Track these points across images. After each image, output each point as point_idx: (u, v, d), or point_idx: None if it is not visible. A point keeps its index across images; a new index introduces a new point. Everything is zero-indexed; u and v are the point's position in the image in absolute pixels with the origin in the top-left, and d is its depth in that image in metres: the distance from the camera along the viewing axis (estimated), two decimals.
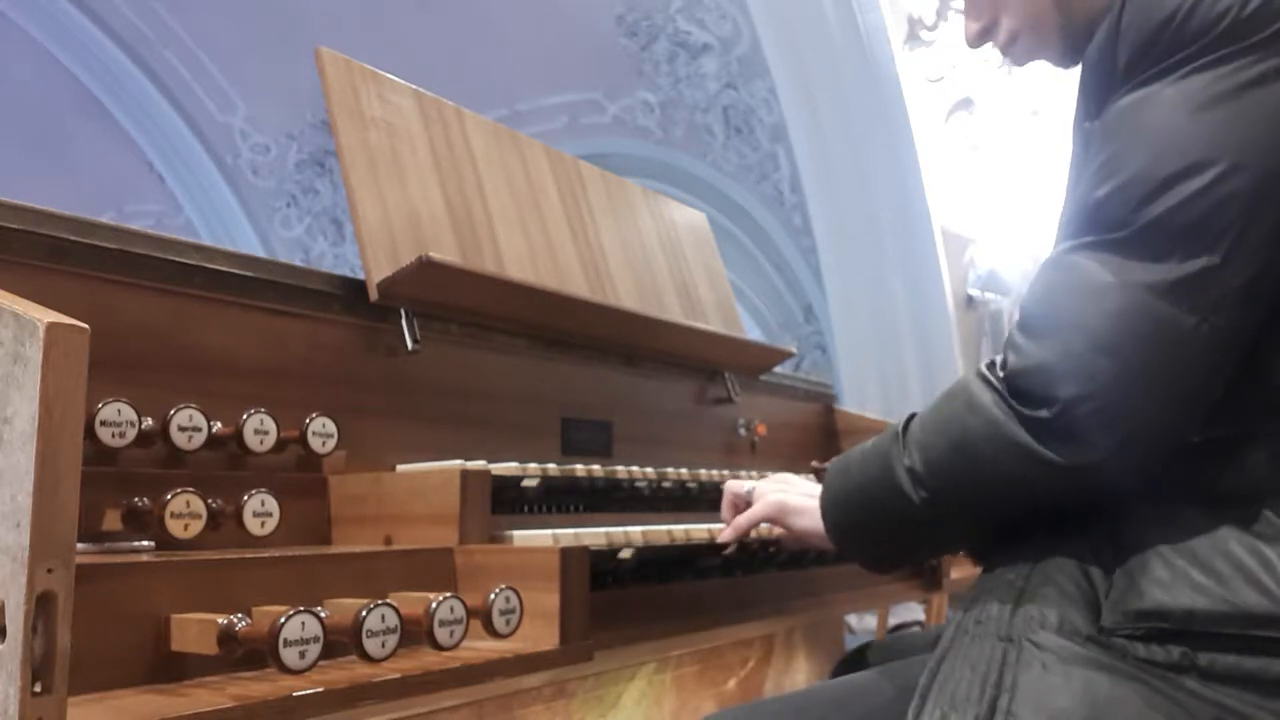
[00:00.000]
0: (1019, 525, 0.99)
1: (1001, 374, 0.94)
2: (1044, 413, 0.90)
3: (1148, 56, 0.90)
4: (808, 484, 1.28)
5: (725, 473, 1.62)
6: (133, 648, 0.83)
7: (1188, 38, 0.88)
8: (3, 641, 0.63)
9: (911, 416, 1.05)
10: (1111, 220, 0.90)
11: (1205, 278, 0.86)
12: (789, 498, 1.24)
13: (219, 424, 1.12)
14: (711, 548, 1.34)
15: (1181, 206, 0.86)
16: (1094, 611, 0.88)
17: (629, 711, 1.62)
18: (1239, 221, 0.85)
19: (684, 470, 1.56)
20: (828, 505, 1.13)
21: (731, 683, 1.85)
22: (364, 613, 0.84)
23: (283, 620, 0.79)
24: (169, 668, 0.84)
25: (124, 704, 0.77)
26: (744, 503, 1.32)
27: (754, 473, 1.72)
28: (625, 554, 1.21)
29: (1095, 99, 0.97)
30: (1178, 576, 0.86)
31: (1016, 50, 1.12)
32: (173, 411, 1.08)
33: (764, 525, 1.31)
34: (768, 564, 1.46)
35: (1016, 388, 0.92)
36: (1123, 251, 0.89)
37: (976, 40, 1.14)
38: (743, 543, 1.34)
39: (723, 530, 1.32)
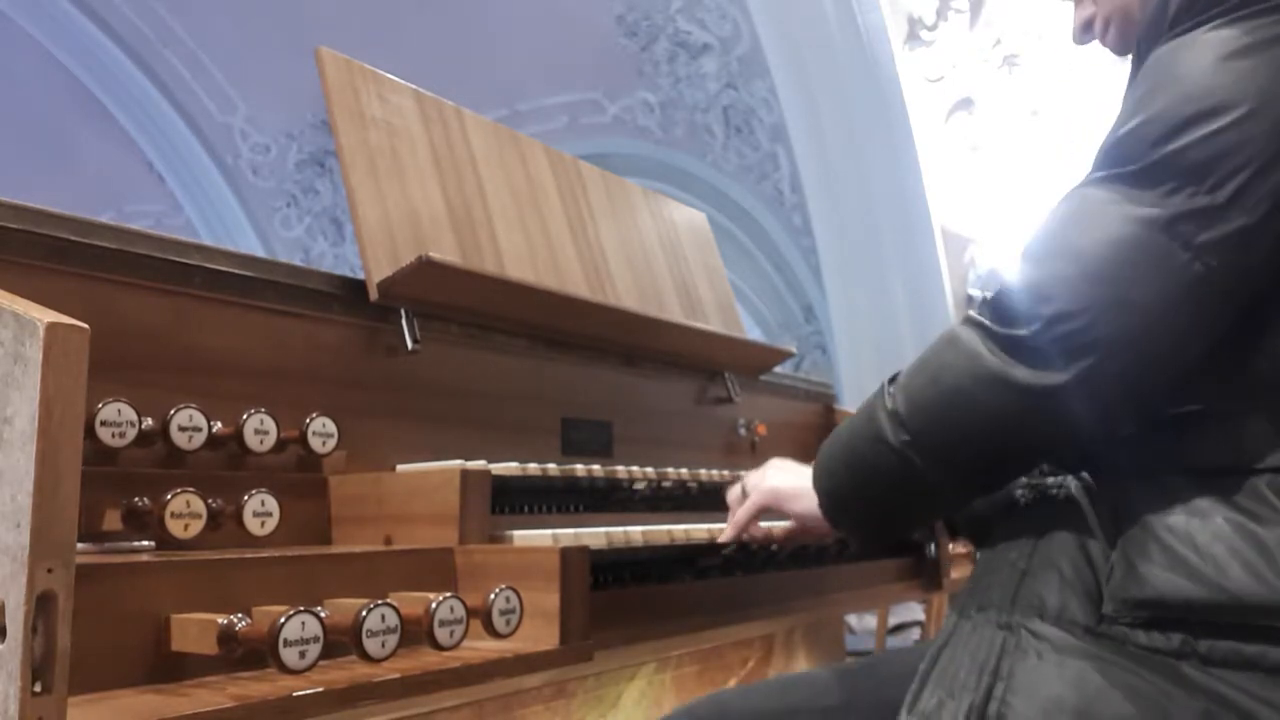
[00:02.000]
0: (1003, 485, 0.99)
1: (991, 297, 0.95)
2: (1022, 330, 0.90)
3: (1193, 8, 0.91)
4: (804, 467, 1.26)
5: (725, 473, 1.62)
6: (133, 648, 0.83)
7: None
8: (3, 641, 0.63)
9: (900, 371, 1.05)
10: (1127, 155, 0.91)
11: (1205, 216, 0.86)
12: (781, 482, 1.23)
13: (219, 424, 1.12)
14: (712, 547, 1.34)
15: (1194, 145, 0.87)
16: (1093, 599, 0.89)
17: (629, 711, 1.62)
18: (1248, 167, 0.86)
19: (684, 470, 1.56)
20: (818, 475, 1.12)
21: (731, 682, 1.85)
22: (364, 613, 0.84)
23: (283, 620, 0.79)
24: (169, 668, 0.84)
25: (124, 704, 0.77)
26: (742, 499, 1.31)
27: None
28: (626, 553, 1.21)
29: (1145, 49, 0.97)
30: (1175, 562, 0.86)
31: (1111, 38, 1.13)
32: (173, 411, 1.08)
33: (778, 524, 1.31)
34: (768, 564, 1.46)
35: (1002, 306, 0.93)
36: (1132, 184, 0.89)
37: (1081, 35, 1.15)
38: (743, 543, 1.35)
39: (725, 531, 1.32)
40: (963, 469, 0.99)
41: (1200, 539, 0.86)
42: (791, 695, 1.15)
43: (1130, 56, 1.02)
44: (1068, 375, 0.88)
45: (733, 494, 1.34)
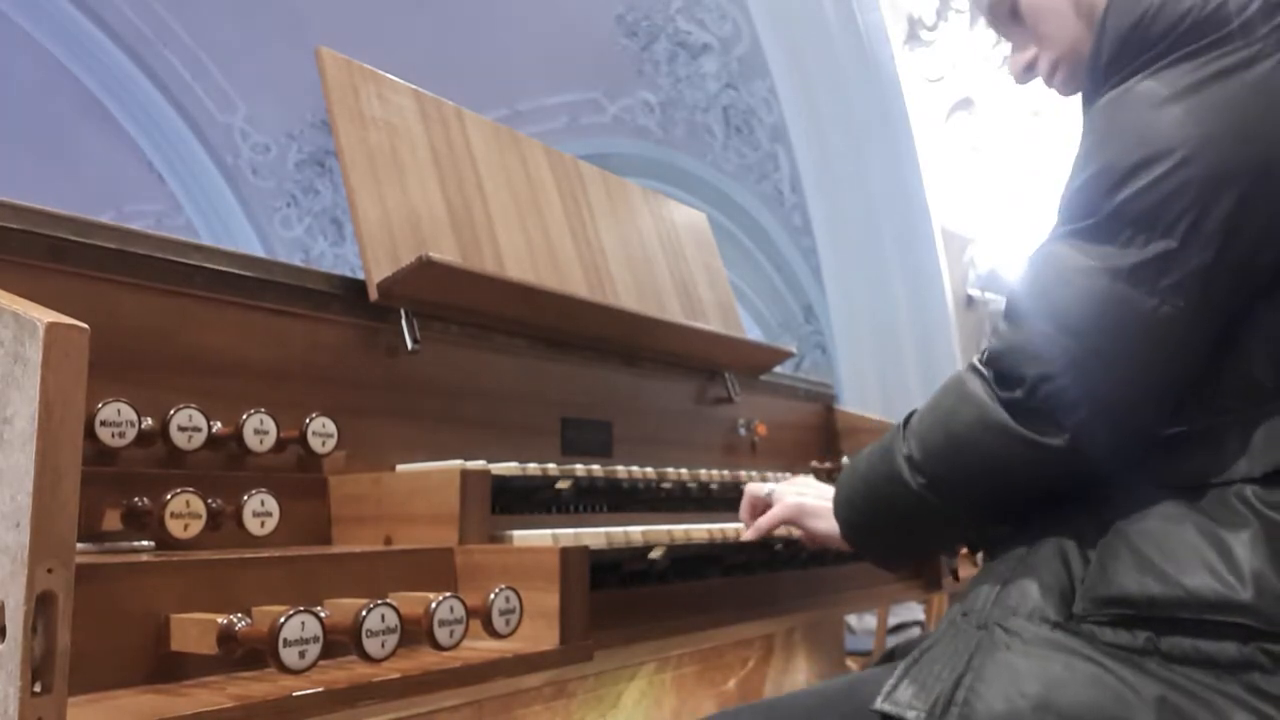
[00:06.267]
0: (1017, 515, 1.03)
1: (987, 356, 1.00)
2: (1018, 393, 0.95)
3: (1122, 56, 0.96)
4: (825, 487, 1.31)
5: (725, 473, 1.62)
6: (133, 648, 0.83)
7: (1154, 37, 0.93)
8: (3, 641, 0.63)
9: (914, 411, 1.09)
10: (1083, 209, 0.96)
11: (1163, 261, 0.90)
12: (807, 500, 1.28)
13: (219, 424, 1.12)
14: (711, 548, 1.34)
15: (1141, 194, 0.91)
16: (1066, 599, 0.92)
17: (629, 711, 1.62)
18: (1194, 208, 0.89)
19: (684, 470, 1.56)
20: (839, 504, 1.17)
21: (731, 683, 1.85)
22: (364, 613, 0.84)
23: (283, 620, 0.79)
24: (169, 668, 0.84)
25: (124, 704, 0.77)
26: (764, 505, 1.35)
27: (755, 473, 1.72)
28: (626, 554, 1.21)
29: (1089, 101, 1.02)
30: (1142, 563, 0.89)
31: (1059, 80, 1.16)
32: (173, 411, 1.08)
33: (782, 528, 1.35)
34: (768, 564, 1.46)
35: (995, 370, 0.98)
36: (1091, 238, 0.94)
37: (1023, 75, 1.18)
38: (745, 544, 1.35)
39: (743, 531, 1.36)
40: (978, 505, 1.04)
41: (1168, 542, 0.89)
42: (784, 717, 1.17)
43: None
44: (1063, 438, 0.93)
45: (751, 490, 1.37)
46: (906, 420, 1.08)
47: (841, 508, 1.17)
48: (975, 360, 1.02)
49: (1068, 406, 0.93)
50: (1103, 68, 0.98)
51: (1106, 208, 0.93)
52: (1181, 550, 0.88)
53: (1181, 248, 0.90)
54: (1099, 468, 0.96)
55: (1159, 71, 0.93)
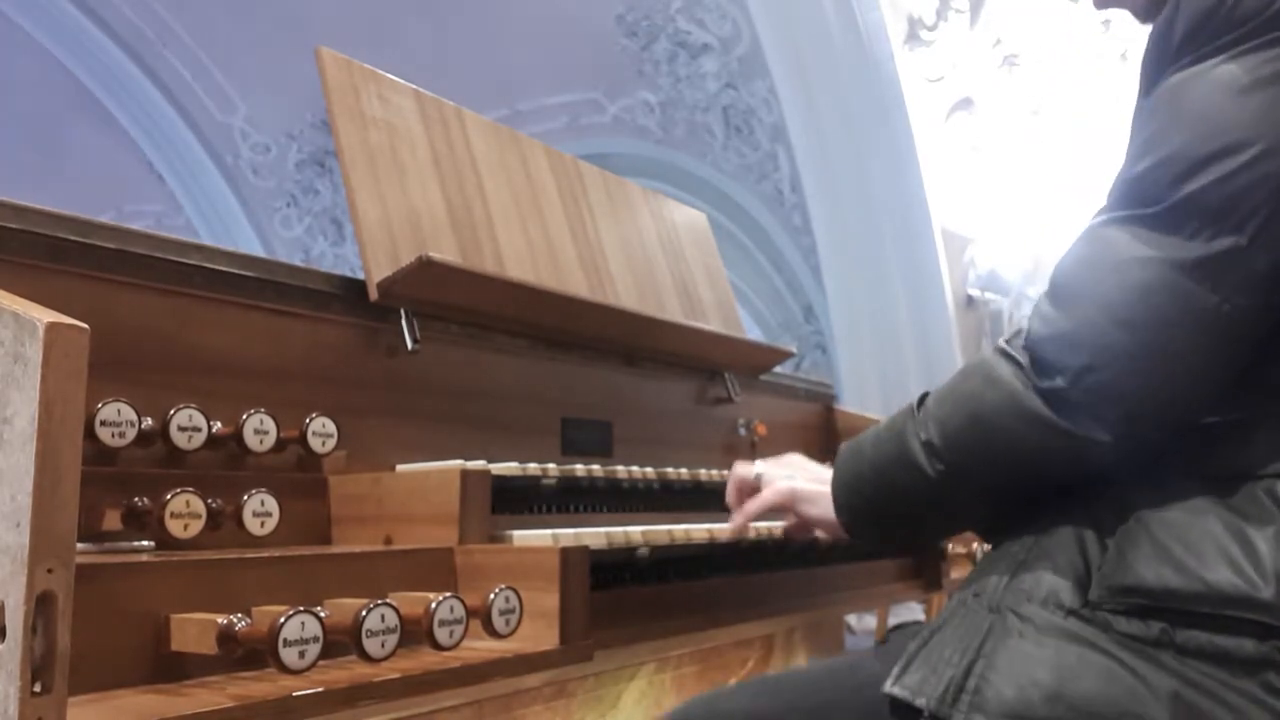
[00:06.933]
0: (1034, 501, 1.00)
1: (1023, 342, 0.95)
2: (1059, 381, 0.91)
3: (1199, 35, 0.90)
4: (817, 467, 1.27)
5: (725, 473, 1.62)
6: (133, 648, 0.83)
7: (1239, 19, 0.88)
8: (3, 641, 0.63)
9: (926, 394, 1.05)
10: (1146, 195, 0.90)
11: (1231, 258, 0.86)
12: (799, 484, 1.23)
13: (219, 424, 1.12)
14: (711, 548, 1.34)
15: (1214, 186, 0.87)
16: (1082, 586, 0.90)
17: (629, 711, 1.62)
18: (1268, 205, 0.86)
19: (684, 470, 1.56)
20: (839, 488, 1.12)
21: (731, 682, 1.85)
22: (364, 613, 0.84)
23: (282, 620, 0.79)
24: (169, 668, 0.84)
25: (124, 704, 0.77)
26: (751, 488, 1.30)
27: None
28: (625, 554, 1.21)
29: (1152, 76, 0.96)
30: (1162, 554, 0.87)
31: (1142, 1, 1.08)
32: (173, 411, 1.08)
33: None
34: (767, 563, 1.46)
35: (1035, 355, 0.93)
36: (1154, 226, 0.89)
37: None
38: (743, 542, 1.35)
39: (732, 519, 1.31)
40: (996, 493, 1.01)
41: (1191, 534, 0.87)
42: (784, 694, 1.15)
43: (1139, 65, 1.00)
44: (1104, 432, 0.90)
45: (738, 472, 1.32)
46: (920, 402, 1.04)
47: (842, 492, 1.12)
48: (1003, 343, 0.98)
49: (1111, 400, 0.89)
50: (1175, 45, 0.92)
51: (1173, 197, 0.88)
52: (1204, 543, 0.86)
53: (1250, 245, 0.86)
54: (1137, 462, 0.93)
55: (1240, 55, 0.87)
